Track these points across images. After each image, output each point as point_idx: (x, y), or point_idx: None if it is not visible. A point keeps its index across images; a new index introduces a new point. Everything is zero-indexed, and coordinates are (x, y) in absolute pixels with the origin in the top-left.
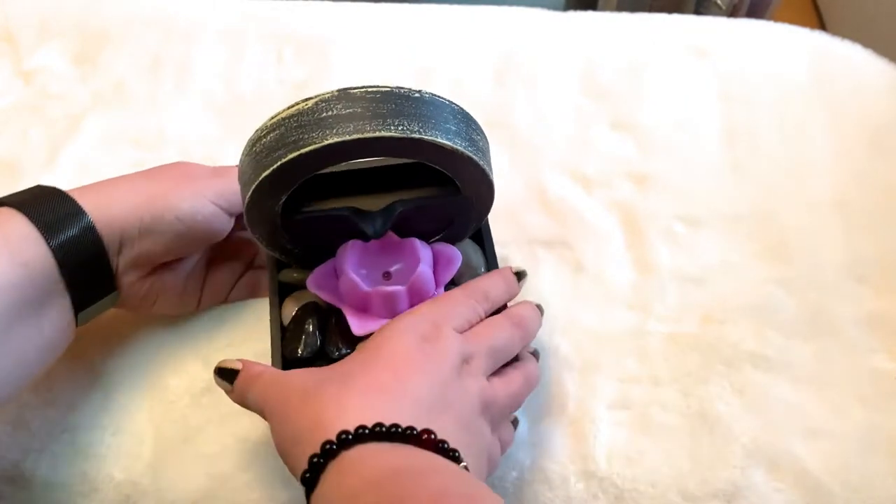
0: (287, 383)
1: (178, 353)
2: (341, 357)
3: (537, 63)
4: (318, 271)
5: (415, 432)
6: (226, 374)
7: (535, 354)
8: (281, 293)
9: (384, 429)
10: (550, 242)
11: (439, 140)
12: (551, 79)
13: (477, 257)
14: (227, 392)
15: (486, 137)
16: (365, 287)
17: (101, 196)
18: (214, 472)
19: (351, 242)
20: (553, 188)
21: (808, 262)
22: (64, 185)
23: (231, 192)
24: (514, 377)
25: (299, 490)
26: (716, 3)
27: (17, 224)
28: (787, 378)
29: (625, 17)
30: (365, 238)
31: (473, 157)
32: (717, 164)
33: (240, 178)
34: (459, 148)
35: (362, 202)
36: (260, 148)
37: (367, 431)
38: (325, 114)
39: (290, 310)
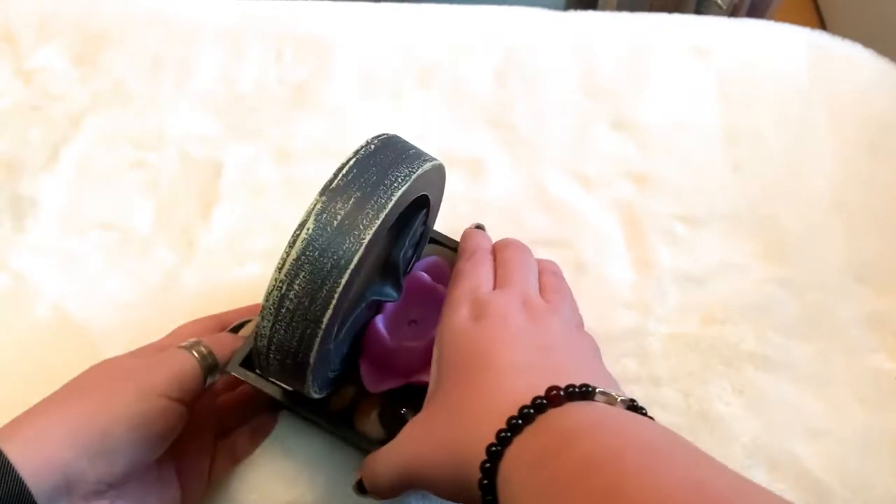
0: (408, 436)
1: None
2: (407, 417)
3: (537, 63)
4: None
5: (590, 389)
6: (360, 487)
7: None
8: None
9: (576, 389)
10: (550, 242)
11: (418, 171)
12: (551, 78)
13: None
14: (373, 496)
15: (402, 139)
16: (390, 343)
17: (26, 435)
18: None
19: (376, 318)
20: (553, 188)
21: (808, 262)
22: (64, 185)
23: (174, 376)
24: (544, 283)
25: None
26: (716, 3)
27: None
28: (788, 378)
29: (625, 16)
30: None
31: (436, 161)
32: (717, 164)
33: (274, 344)
34: (427, 165)
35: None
36: (295, 303)
37: (562, 393)
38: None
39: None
